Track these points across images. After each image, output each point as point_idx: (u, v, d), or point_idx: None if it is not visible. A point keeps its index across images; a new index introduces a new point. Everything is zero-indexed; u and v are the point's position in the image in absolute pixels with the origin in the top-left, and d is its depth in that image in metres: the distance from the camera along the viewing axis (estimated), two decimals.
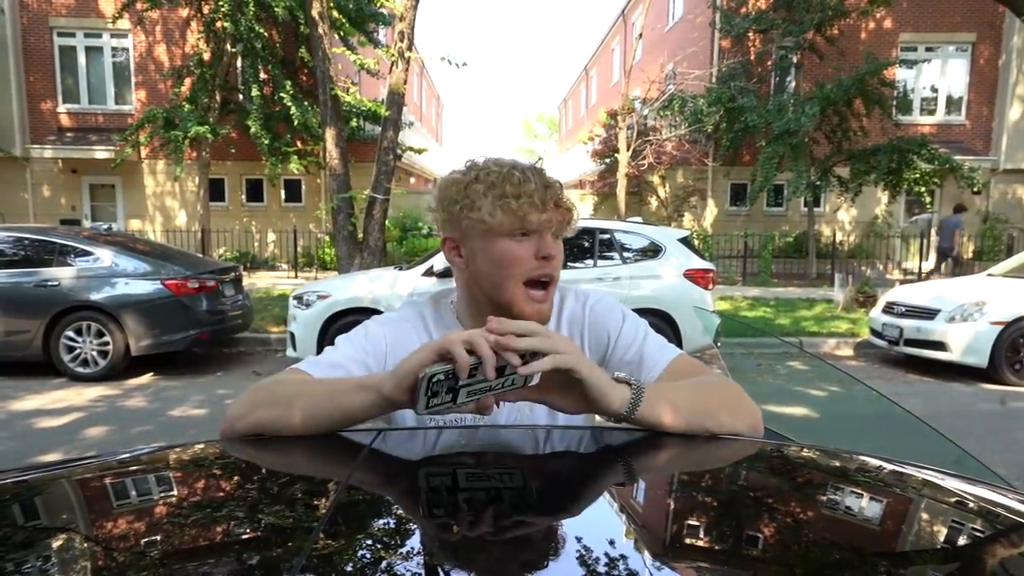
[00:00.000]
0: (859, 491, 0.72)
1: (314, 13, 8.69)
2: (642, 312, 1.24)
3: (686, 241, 6.91)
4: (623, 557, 0.53)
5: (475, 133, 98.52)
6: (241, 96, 14.67)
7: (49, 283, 6.32)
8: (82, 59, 16.02)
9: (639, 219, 8.30)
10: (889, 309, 7.18)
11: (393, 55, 8.62)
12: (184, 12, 14.46)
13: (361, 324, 1.10)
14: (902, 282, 12.03)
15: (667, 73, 17.93)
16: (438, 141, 35.29)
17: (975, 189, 14.35)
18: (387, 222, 9.73)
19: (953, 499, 0.67)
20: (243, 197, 16.69)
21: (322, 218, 15.08)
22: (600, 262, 6.64)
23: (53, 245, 6.50)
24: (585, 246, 6.71)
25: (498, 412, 1.08)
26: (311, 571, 0.49)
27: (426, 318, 1.11)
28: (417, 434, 0.96)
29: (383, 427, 0.93)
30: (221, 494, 0.70)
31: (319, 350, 1.28)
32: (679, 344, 6.24)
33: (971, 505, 0.66)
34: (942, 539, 0.61)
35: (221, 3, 12.82)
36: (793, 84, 16.13)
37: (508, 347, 0.77)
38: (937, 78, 16.83)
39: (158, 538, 0.58)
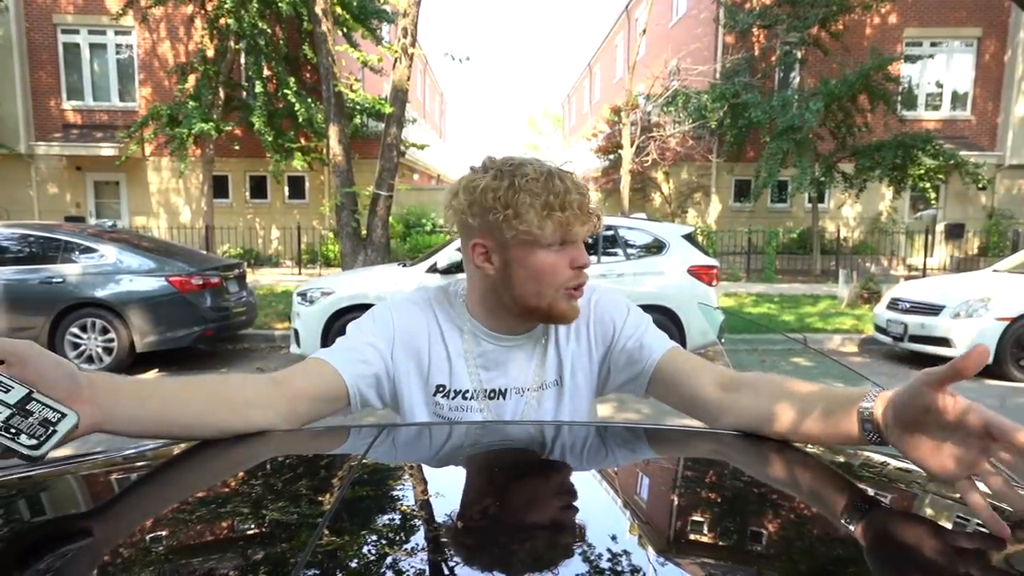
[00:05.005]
0: (862, 487, 0.71)
1: (317, 10, 8.69)
2: (646, 308, 1.22)
3: (690, 237, 6.89)
4: (627, 553, 0.53)
5: (479, 129, 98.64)
6: (245, 93, 14.68)
7: (54, 280, 6.34)
8: (86, 56, 16.04)
9: (643, 215, 8.29)
10: (893, 305, 7.15)
11: (396, 51, 8.62)
12: (188, 9, 14.47)
13: (369, 310, 1.10)
14: (907, 278, 11.99)
15: (671, 69, 17.88)
16: (441, 137, 35.27)
17: (980, 185, 14.30)
18: (391, 218, 9.73)
19: (957, 495, 0.67)
20: (247, 194, 16.71)
21: (326, 215, 15.13)
22: (604, 258, 6.63)
23: (58, 242, 6.51)
24: (588, 242, 6.67)
25: (504, 407, 1.07)
26: (315, 567, 0.49)
27: (432, 304, 1.11)
28: (423, 430, 0.97)
29: (389, 422, 0.93)
30: (226, 490, 0.70)
31: (323, 346, 1.28)
32: (683, 341, 6.24)
33: None
34: (946, 535, 0.61)
35: (224, 0, 12.83)
36: (797, 80, 16.08)
37: None
38: (942, 73, 16.74)
39: (163, 533, 0.58)
